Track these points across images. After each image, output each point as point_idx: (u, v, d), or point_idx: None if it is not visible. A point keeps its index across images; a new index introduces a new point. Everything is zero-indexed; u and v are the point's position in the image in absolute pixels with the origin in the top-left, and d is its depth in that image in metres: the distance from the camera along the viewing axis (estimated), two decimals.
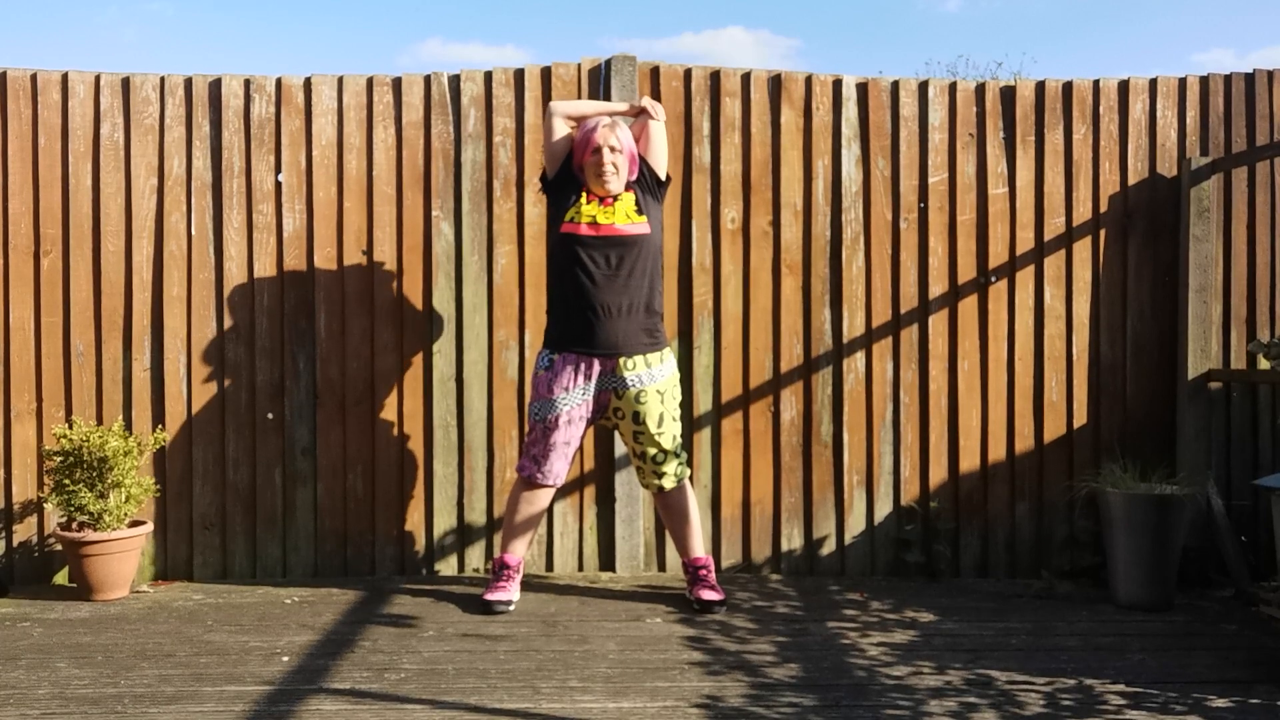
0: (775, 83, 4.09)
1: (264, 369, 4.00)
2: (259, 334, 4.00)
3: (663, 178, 3.63)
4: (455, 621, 3.40)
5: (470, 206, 4.03)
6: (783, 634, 3.27)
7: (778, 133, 4.08)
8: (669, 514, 3.66)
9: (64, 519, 3.80)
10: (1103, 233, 4.12)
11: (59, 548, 3.91)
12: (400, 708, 2.62)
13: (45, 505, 3.89)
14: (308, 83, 4.02)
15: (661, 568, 4.08)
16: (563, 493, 4.01)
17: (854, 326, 4.09)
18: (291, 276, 4.01)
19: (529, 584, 3.84)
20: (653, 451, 3.55)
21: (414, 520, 4.04)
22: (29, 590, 3.83)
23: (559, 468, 3.56)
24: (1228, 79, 4.14)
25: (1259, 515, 3.96)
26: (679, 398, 3.64)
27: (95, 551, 3.66)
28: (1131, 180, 4.12)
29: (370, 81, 4.03)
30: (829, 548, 4.10)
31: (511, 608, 3.54)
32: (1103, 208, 4.11)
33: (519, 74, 4.05)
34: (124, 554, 3.71)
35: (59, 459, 3.72)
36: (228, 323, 3.99)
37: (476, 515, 4.04)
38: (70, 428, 3.81)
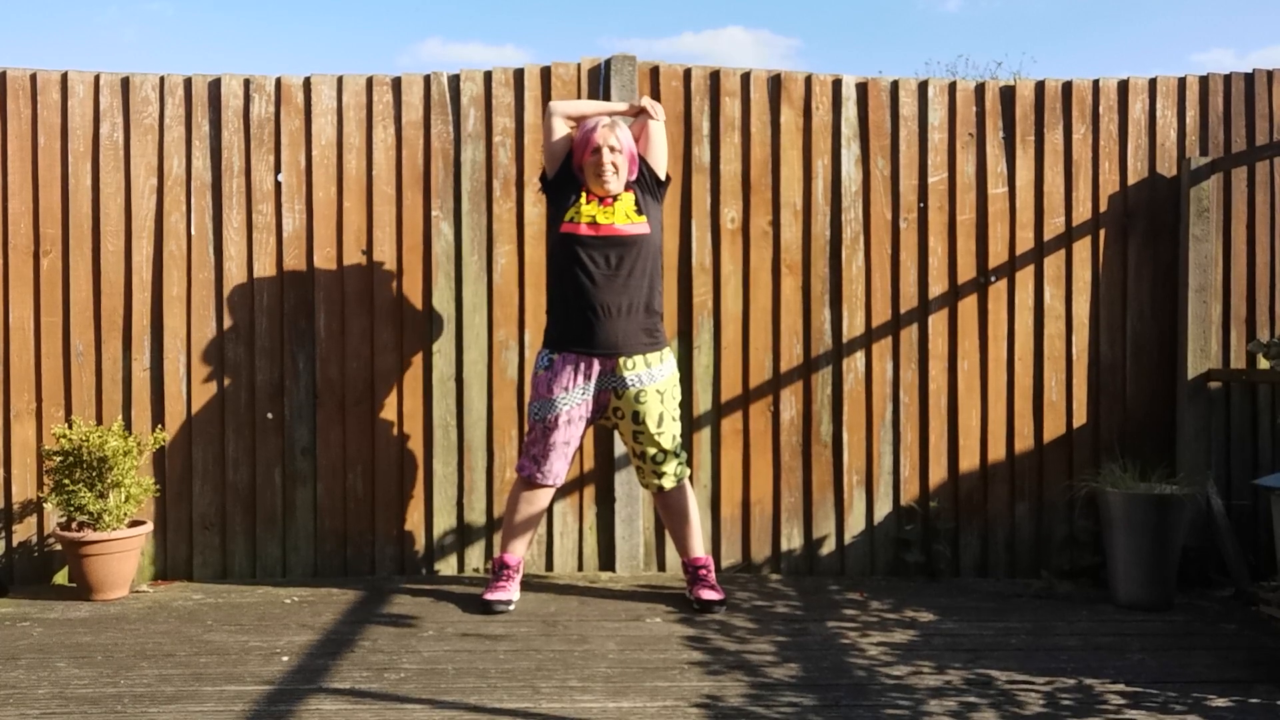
0: (775, 82, 4.09)
1: (264, 369, 4.00)
2: (258, 334, 4.00)
3: (662, 178, 3.63)
4: (455, 621, 3.40)
5: (470, 206, 4.03)
6: (782, 634, 3.27)
7: (777, 132, 4.08)
8: (669, 514, 3.66)
9: (64, 519, 3.80)
10: (1102, 232, 4.12)
11: (59, 547, 3.91)
12: (400, 707, 2.62)
13: (45, 505, 3.89)
14: (307, 83, 4.02)
15: (661, 567, 4.08)
16: (562, 492, 4.01)
17: (854, 326, 4.09)
18: (291, 276, 4.01)
19: (529, 584, 3.84)
20: (652, 451, 3.55)
21: (414, 520, 4.04)
22: (29, 590, 3.83)
23: (559, 467, 3.56)
24: (1227, 79, 4.14)
25: (1259, 515, 3.96)
26: (679, 397, 3.64)
27: (95, 551, 3.66)
28: (1131, 180, 4.12)
29: (370, 81, 4.03)
30: (829, 547, 4.10)
31: (511, 607, 3.54)
32: (1102, 207, 4.11)
33: (519, 74, 4.05)
34: (124, 554, 3.71)
35: (59, 459, 3.72)
36: (227, 322, 3.99)
37: (476, 515, 4.04)
38: (70, 427, 3.81)
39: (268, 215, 4.00)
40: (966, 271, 4.11)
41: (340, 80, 4.02)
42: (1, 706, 2.62)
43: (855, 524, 4.09)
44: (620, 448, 3.97)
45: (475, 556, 4.05)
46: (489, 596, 3.53)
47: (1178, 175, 4.09)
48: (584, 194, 3.53)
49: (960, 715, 2.59)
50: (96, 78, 3.97)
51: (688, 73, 4.07)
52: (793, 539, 4.09)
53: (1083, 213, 4.11)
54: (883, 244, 4.10)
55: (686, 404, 3.97)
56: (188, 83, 3.99)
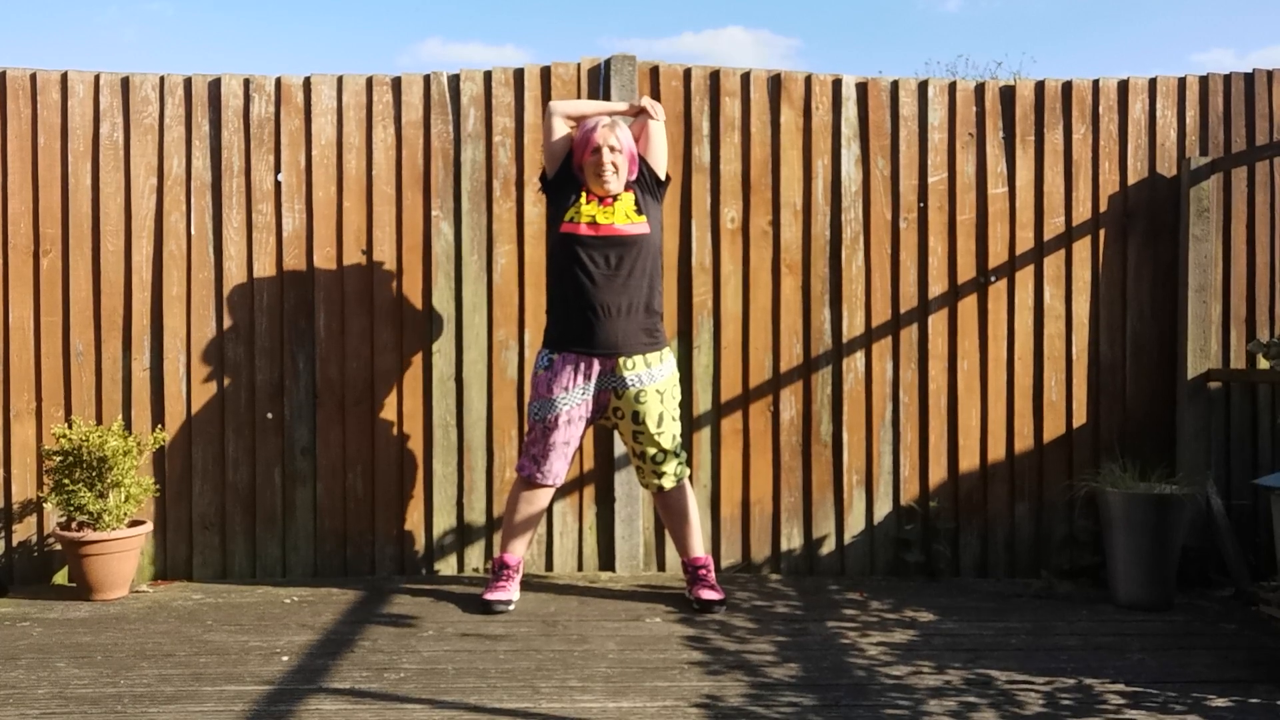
0: (775, 82, 4.09)
1: (263, 369, 4.00)
2: (258, 334, 4.00)
3: (662, 177, 3.63)
4: (455, 621, 3.40)
5: (470, 206, 4.03)
6: (782, 634, 3.27)
7: (777, 132, 4.08)
8: (668, 514, 3.66)
9: (63, 519, 3.80)
10: (1102, 232, 4.12)
11: (58, 547, 3.91)
12: (400, 707, 2.62)
13: (45, 505, 3.89)
14: (307, 82, 4.02)
15: (661, 567, 4.08)
16: (562, 492, 4.01)
17: (853, 326, 4.09)
18: (291, 276, 4.01)
19: (529, 584, 3.84)
20: (652, 451, 3.55)
21: (413, 520, 4.04)
22: (29, 590, 3.83)
23: (558, 467, 3.56)
24: (1227, 79, 4.14)
25: (1259, 515, 3.96)
26: (678, 397, 3.64)
27: (95, 551, 3.66)
28: (1131, 180, 4.12)
29: (370, 81, 4.03)
30: (828, 547, 4.10)
31: (511, 607, 3.54)
32: (1102, 207, 4.11)
33: (518, 74, 4.05)
34: (123, 554, 3.71)
35: (58, 459, 3.72)
36: (227, 322, 3.99)
37: (476, 515, 4.04)
38: (70, 427, 3.81)
39: (268, 215, 4.00)
40: (966, 271, 4.11)
41: (340, 80, 4.02)
42: (1, 706, 2.62)
43: (855, 524, 4.09)
44: (620, 448, 3.97)
45: (475, 556, 4.05)
46: (489, 596, 3.54)
47: (1178, 175, 4.09)
48: (584, 194, 3.53)
49: (960, 715, 2.59)
50: (96, 78, 3.97)
51: (688, 73, 4.07)
52: (792, 539, 4.09)
53: (1082, 213, 4.11)
54: (883, 244, 4.10)
55: (686, 404, 3.97)
56: (188, 83, 3.99)
